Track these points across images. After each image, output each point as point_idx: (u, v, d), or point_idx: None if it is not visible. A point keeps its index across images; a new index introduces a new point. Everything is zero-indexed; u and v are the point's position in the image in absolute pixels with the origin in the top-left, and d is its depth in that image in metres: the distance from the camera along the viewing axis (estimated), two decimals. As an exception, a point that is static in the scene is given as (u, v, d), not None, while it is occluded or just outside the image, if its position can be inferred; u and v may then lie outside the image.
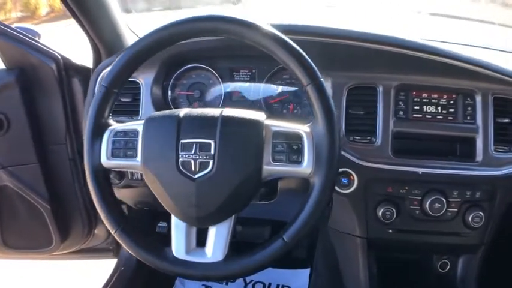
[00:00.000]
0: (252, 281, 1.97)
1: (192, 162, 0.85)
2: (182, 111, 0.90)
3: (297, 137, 0.88)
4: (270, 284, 1.96)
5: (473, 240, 1.25)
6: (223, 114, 0.88)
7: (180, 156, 0.85)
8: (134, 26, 1.54)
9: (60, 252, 1.67)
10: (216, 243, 0.90)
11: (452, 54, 1.19)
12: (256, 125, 0.87)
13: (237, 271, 0.90)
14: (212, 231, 0.90)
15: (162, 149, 0.87)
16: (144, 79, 1.29)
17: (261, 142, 0.86)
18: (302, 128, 0.89)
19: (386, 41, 1.19)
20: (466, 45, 1.66)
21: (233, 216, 0.90)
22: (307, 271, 1.79)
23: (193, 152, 0.85)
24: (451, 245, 1.28)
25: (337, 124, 0.91)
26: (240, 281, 1.94)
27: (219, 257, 0.90)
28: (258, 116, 0.89)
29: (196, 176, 0.85)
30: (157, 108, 1.26)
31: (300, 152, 0.87)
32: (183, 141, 0.86)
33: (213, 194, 0.86)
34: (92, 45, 1.44)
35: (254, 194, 0.90)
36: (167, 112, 0.92)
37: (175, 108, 1.32)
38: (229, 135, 0.86)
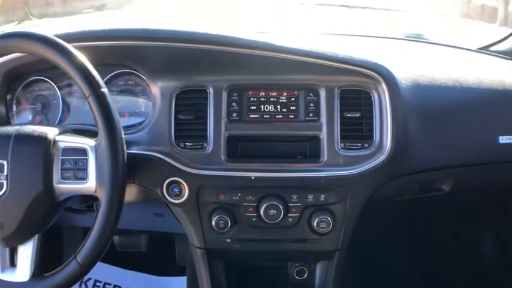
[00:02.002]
0: None
1: None
2: None
3: (83, 153, 0.89)
4: None
5: (325, 247, 1.23)
6: (16, 132, 0.90)
7: None
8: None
9: None
10: (22, 263, 0.93)
11: (288, 49, 1.14)
12: (43, 142, 0.89)
13: None
14: (20, 251, 0.94)
15: None
16: None
17: (49, 160, 0.88)
18: (87, 143, 0.90)
19: (213, 41, 1.14)
20: (354, 35, 1.73)
21: (36, 236, 0.93)
22: (185, 278, 1.79)
23: None
24: (302, 251, 1.26)
25: (120, 136, 0.89)
26: None
27: (26, 276, 0.93)
28: (48, 132, 0.91)
29: None
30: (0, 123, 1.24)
31: (85, 168, 0.89)
32: None
33: (10, 215, 0.88)
34: None
35: (52, 214, 0.94)
36: None
37: (19, 122, 1.30)
38: (19, 154, 0.88)
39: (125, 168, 0.91)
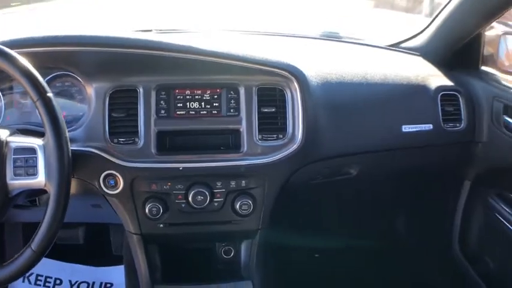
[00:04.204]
0: (77, 281, 2.08)
1: None
2: None
3: (32, 151, 1.00)
4: (93, 283, 2.08)
5: (248, 226, 1.39)
6: None
7: None
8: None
9: None
10: None
11: (209, 52, 1.28)
12: None
13: None
14: None
15: None
16: None
17: (3, 159, 0.99)
18: (36, 142, 1.00)
19: (141, 45, 1.26)
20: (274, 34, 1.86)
21: None
22: (122, 267, 1.90)
23: None
24: (227, 232, 1.41)
25: (65, 136, 1.01)
26: (65, 283, 2.06)
27: None
28: (0, 134, 1.01)
29: None
30: None
31: (35, 165, 0.99)
32: None
33: None
34: None
35: (5, 208, 1.04)
36: None
37: None
38: None
39: (70, 163, 1.01)
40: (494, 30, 1.86)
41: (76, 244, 1.97)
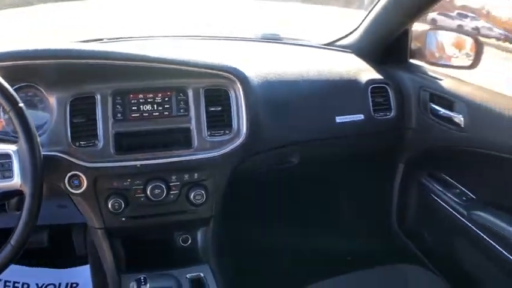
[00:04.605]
0: (43, 284, 2.12)
1: None
2: None
3: (8, 156, 1.11)
4: (60, 284, 2.12)
5: (202, 215, 1.52)
6: None
7: None
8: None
9: None
10: None
11: (158, 59, 1.39)
12: None
13: None
14: None
15: None
16: None
17: None
18: (11, 148, 1.11)
19: (96, 56, 1.35)
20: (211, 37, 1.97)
21: None
22: (87, 267, 1.98)
23: None
24: (184, 221, 1.52)
25: (37, 141, 1.12)
26: (33, 287, 2.09)
27: None
28: None
29: None
30: None
31: (10, 168, 1.10)
32: None
33: None
34: None
35: None
36: None
37: None
38: None
39: (43, 165, 1.11)
40: (422, 25, 2.01)
41: (41, 248, 2.01)
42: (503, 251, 1.53)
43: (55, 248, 2.07)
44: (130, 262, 1.53)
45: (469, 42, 1.93)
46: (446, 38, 2.05)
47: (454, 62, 1.99)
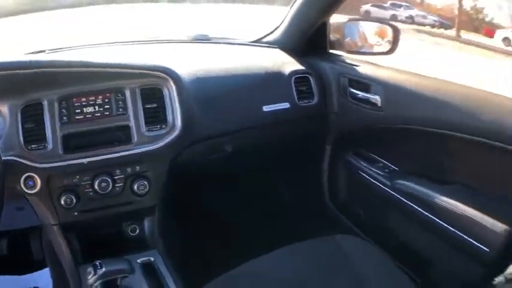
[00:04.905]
0: None
1: None
2: None
3: None
4: None
5: (146, 204, 1.63)
6: None
7: None
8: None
9: None
10: None
11: (97, 64, 1.51)
12: None
13: None
14: None
15: None
16: None
17: None
18: None
19: (39, 66, 1.45)
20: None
21: None
22: (46, 270, 2.06)
23: None
24: (130, 211, 1.63)
25: None
26: None
27: None
28: None
29: None
30: None
31: None
32: None
33: None
34: None
35: None
36: None
37: None
38: None
39: (2, 172, 1.21)
40: (342, 17, 2.16)
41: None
42: (425, 213, 1.70)
43: (13, 255, 2.13)
44: (86, 254, 1.61)
45: (389, 30, 2.11)
46: (368, 28, 2.26)
47: (376, 49, 2.19)
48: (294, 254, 1.54)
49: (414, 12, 24.91)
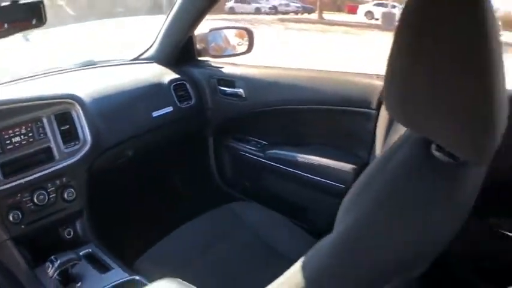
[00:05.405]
0: None
1: None
2: None
3: None
4: None
5: (75, 208, 1.87)
6: None
7: None
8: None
9: None
10: None
11: (15, 100, 1.74)
12: None
13: None
14: None
15: None
16: None
17: None
18: None
19: None
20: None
21: None
22: None
23: None
24: (64, 217, 1.85)
25: None
26: None
27: None
28: None
29: None
30: None
31: None
32: None
33: None
34: None
35: None
36: None
37: None
38: None
39: None
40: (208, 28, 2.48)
41: None
42: (294, 170, 2.13)
43: None
44: (35, 259, 1.77)
45: (245, 33, 2.57)
46: (229, 33, 2.67)
47: (238, 49, 2.61)
48: (201, 224, 1.85)
49: (277, 1, 25.53)
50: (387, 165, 0.89)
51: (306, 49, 11.78)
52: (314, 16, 24.02)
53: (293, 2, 25.25)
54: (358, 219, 0.85)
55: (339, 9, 24.47)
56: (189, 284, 1.33)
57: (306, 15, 24.26)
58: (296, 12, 24.32)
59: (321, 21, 22.42)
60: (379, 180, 0.88)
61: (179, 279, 1.34)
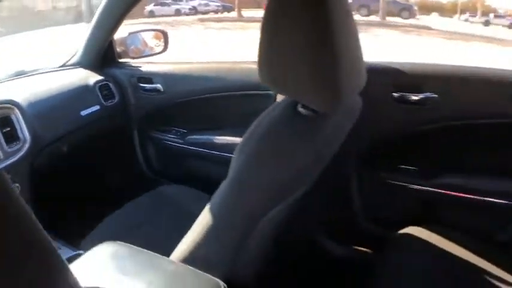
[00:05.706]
0: None
1: None
2: None
3: None
4: None
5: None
6: None
7: None
8: None
9: None
10: None
11: None
12: None
13: None
14: None
15: None
16: None
17: None
18: None
19: None
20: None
21: None
22: None
23: None
24: None
25: None
26: None
27: None
28: None
29: None
30: None
31: None
32: None
33: None
34: None
35: None
36: None
37: None
38: None
39: None
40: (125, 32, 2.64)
41: None
42: (213, 152, 2.37)
43: None
44: None
45: (161, 34, 2.84)
46: (146, 36, 2.91)
47: (155, 50, 2.86)
48: (136, 207, 2.04)
49: (196, 2, 25.42)
50: (263, 122, 1.15)
51: (225, 47, 12.05)
52: (234, 14, 24.29)
53: (212, 2, 25.37)
54: (244, 161, 1.11)
55: (259, 6, 24.78)
56: (126, 244, 1.50)
57: (225, 14, 24.52)
58: (216, 12, 24.47)
59: (241, 18, 22.72)
60: (258, 132, 1.13)
61: (118, 242, 1.50)
